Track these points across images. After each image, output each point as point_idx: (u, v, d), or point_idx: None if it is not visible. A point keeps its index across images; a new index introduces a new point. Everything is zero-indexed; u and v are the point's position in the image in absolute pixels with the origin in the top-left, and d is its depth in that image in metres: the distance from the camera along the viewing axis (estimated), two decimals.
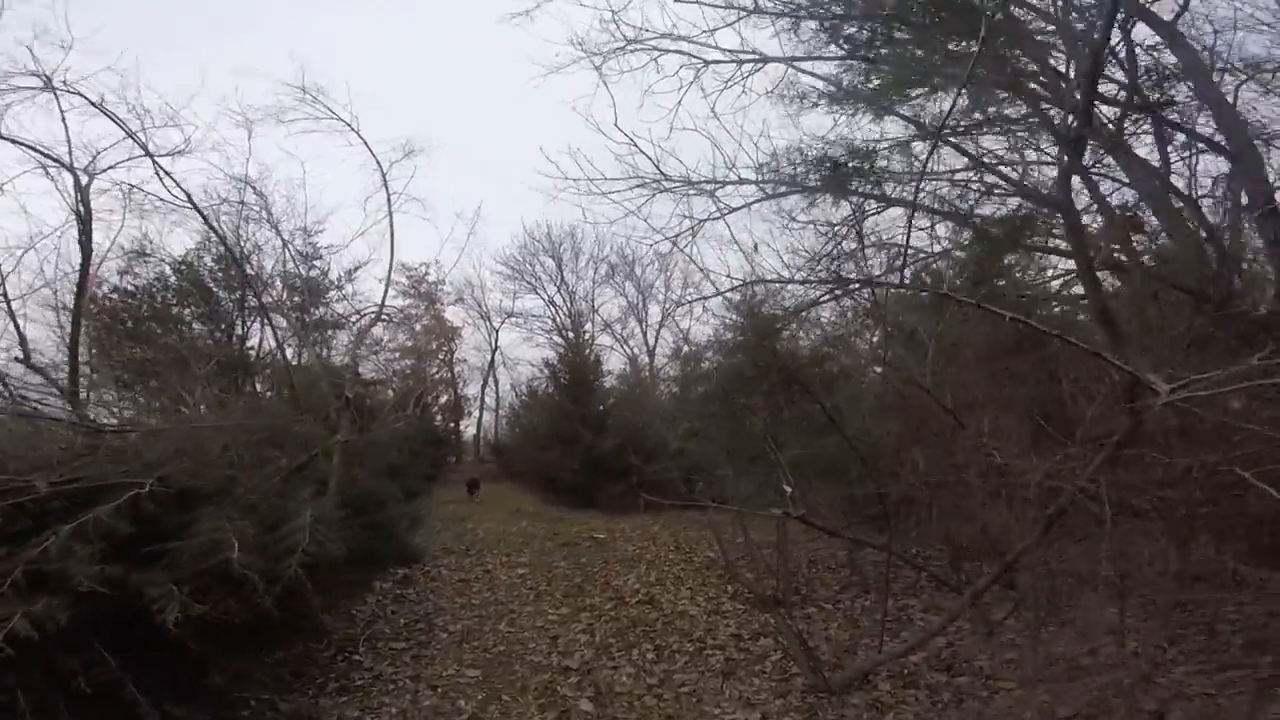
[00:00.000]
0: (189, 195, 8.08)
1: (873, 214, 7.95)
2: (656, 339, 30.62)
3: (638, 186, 7.96)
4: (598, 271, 31.26)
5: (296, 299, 9.78)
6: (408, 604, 7.66)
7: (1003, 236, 7.45)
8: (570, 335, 26.30)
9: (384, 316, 10.13)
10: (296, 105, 9.03)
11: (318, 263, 10.29)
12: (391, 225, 9.24)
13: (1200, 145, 6.61)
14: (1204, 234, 6.36)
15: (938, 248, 8.22)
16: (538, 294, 31.62)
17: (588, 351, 19.26)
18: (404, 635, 6.55)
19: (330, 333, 10.81)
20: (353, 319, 10.37)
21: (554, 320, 31.35)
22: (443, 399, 32.31)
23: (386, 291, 9.45)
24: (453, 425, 30.81)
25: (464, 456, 32.88)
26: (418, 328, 32.34)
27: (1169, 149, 6.81)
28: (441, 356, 33.83)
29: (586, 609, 7.10)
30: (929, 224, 7.83)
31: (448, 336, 33.68)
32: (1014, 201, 7.63)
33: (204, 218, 8.79)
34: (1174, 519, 3.89)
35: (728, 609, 6.98)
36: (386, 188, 9.25)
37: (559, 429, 16.75)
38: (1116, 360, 2.79)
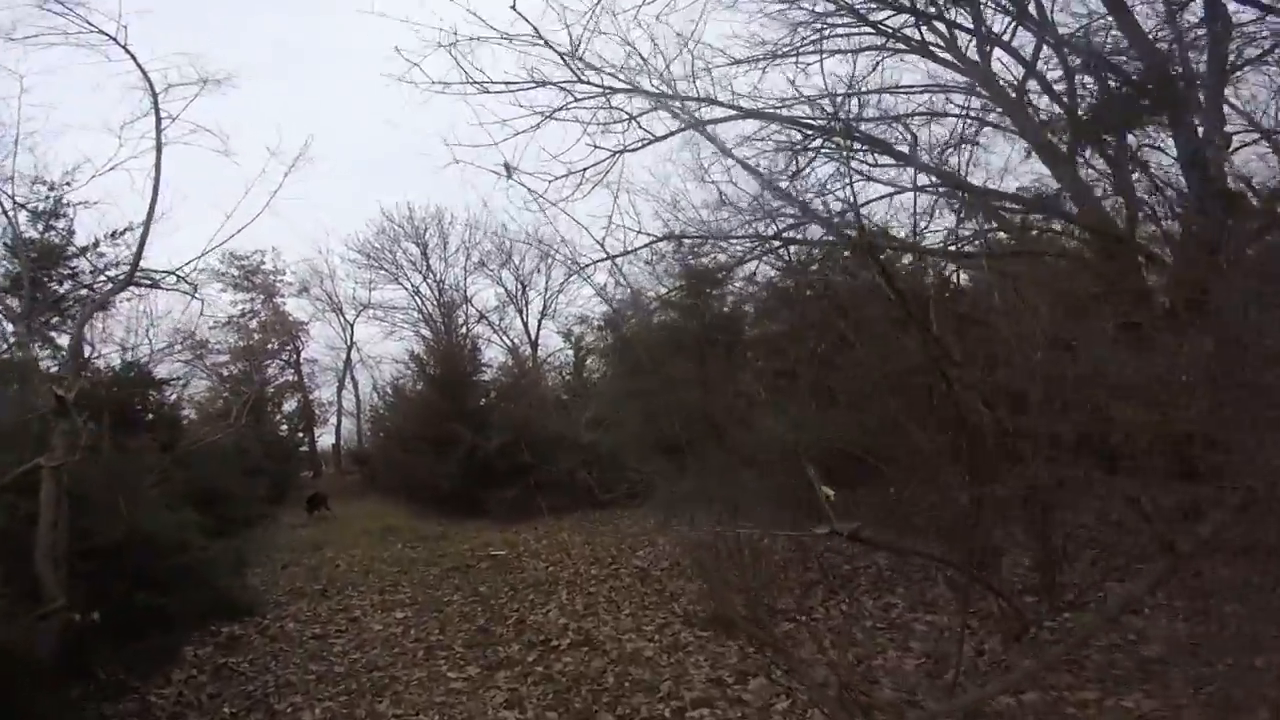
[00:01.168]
0: None
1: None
2: (539, 328, 28.37)
3: (536, 88, 6.12)
4: (470, 259, 28.36)
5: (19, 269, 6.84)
6: (237, 679, 5.35)
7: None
8: (440, 326, 23.43)
9: (140, 281, 7.40)
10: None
11: (60, 222, 7.34)
12: (159, 160, 6.68)
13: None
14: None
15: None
16: (400, 284, 28.02)
17: (462, 341, 16.86)
18: None
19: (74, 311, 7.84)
20: (97, 288, 7.50)
21: (420, 311, 28.03)
22: (287, 405, 28.08)
23: (142, 249, 6.75)
24: (303, 435, 26.65)
25: (323, 469, 28.90)
26: (253, 324, 27.97)
27: None
28: (285, 356, 29.53)
29: (502, 665, 5.17)
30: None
31: (290, 333, 29.41)
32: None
33: None
34: None
35: (687, 640, 5.38)
36: (156, 111, 6.67)
37: (432, 430, 14.30)
38: None
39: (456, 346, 15.74)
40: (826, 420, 4.60)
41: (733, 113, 6.39)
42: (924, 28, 6.66)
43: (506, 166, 6.13)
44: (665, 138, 6.54)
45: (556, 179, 6.37)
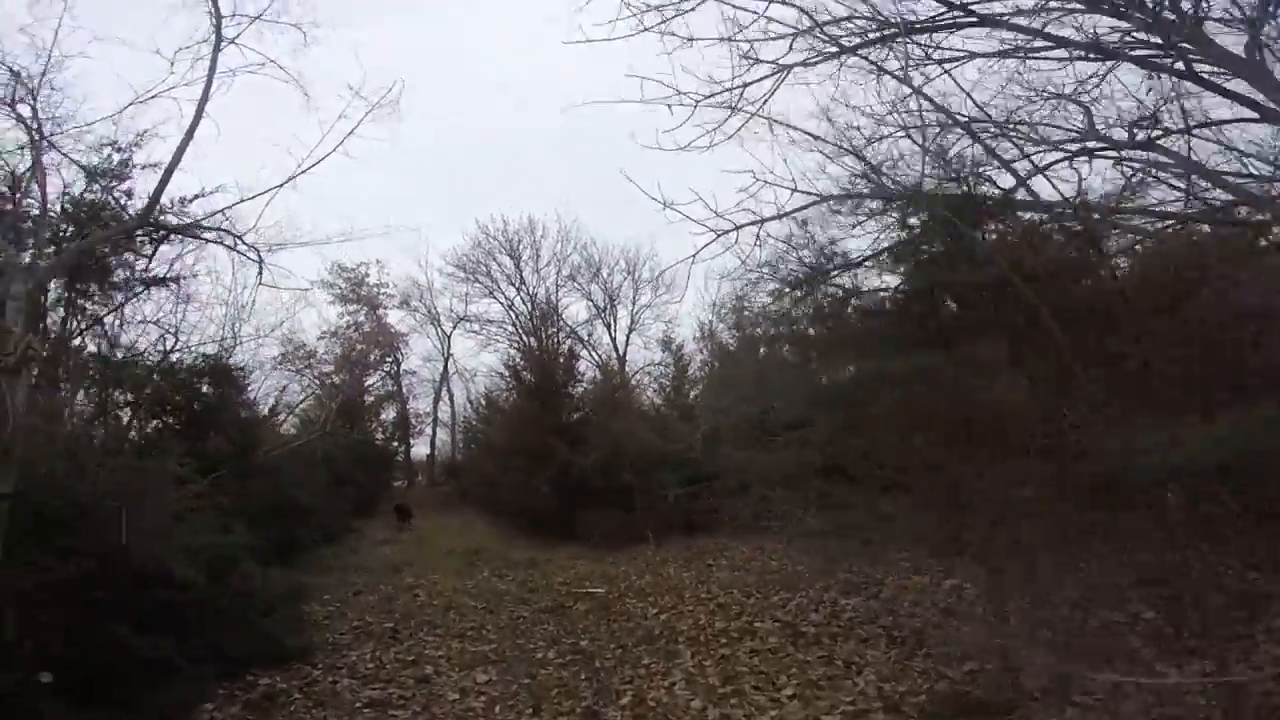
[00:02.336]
0: None
1: None
2: (627, 343, 27.33)
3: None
4: (560, 272, 27.73)
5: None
6: None
7: None
8: (531, 341, 22.55)
9: (154, 233, 6.19)
10: None
11: (123, 185, 6.40)
12: (208, 86, 5.51)
13: None
14: None
15: None
16: (494, 297, 27.82)
17: (557, 348, 15.61)
18: None
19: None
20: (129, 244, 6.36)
21: (515, 324, 27.60)
22: (385, 415, 28.04)
23: (165, 185, 5.42)
24: (398, 445, 26.41)
25: (417, 479, 28.68)
26: (355, 335, 28.23)
27: None
28: (386, 367, 29.69)
29: None
30: None
31: (392, 344, 29.58)
32: None
33: None
34: None
35: None
36: (218, 31, 5.51)
37: (525, 442, 13.02)
38: None
39: (551, 354, 14.46)
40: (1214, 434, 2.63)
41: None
42: None
43: None
44: (855, 49, 4.77)
45: (708, 98, 4.75)
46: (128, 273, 6.64)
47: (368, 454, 20.07)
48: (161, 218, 5.93)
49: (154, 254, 6.63)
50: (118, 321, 7.62)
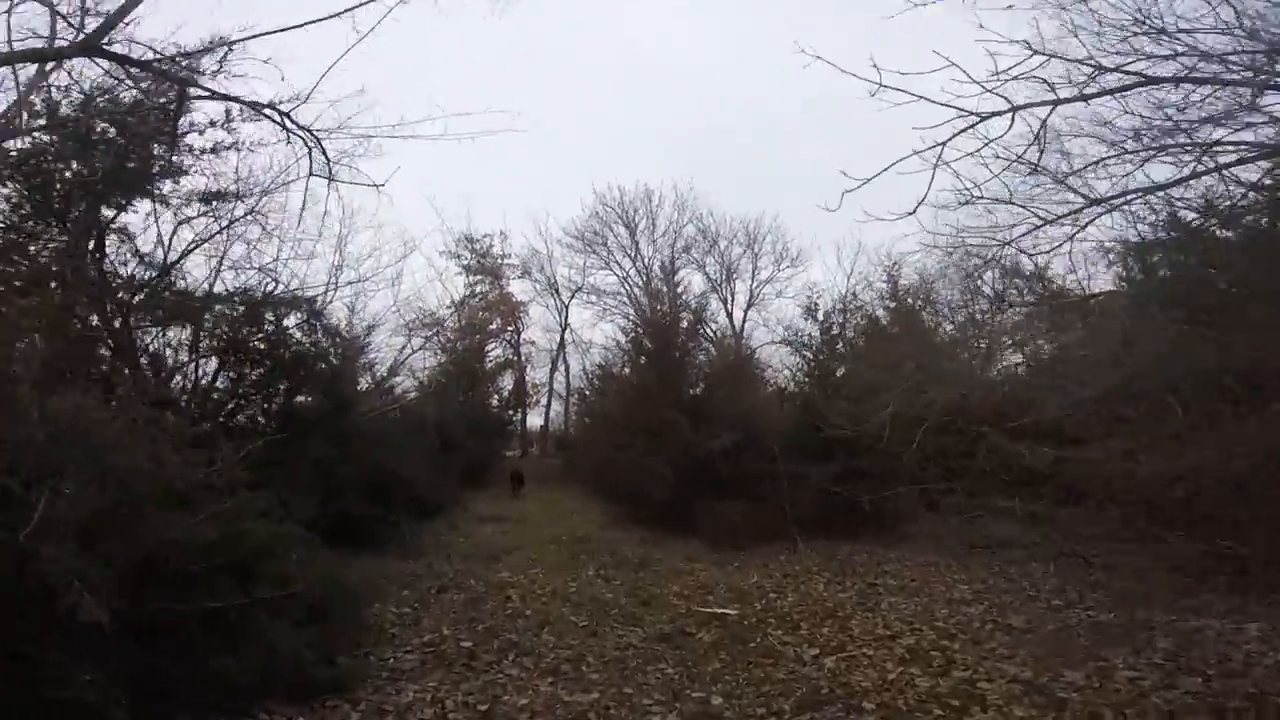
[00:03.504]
0: None
1: None
2: (744, 320, 25.41)
3: None
4: (676, 245, 26.20)
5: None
6: None
7: None
8: (651, 304, 21.07)
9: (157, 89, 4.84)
10: None
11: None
12: None
13: None
14: None
15: None
16: (610, 269, 26.99)
17: (678, 311, 13.81)
18: None
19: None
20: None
21: (630, 296, 26.51)
22: (503, 383, 27.74)
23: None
24: (513, 413, 26.01)
25: (530, 449, 28.42)
26: (478, 303, 28.06)
27: None
28: (507, 337, 29.46)
29: None
30: None
31: (514, 313, 29.32)
32: None
33: None
34: None
35: None
36: None
37: (642, 417, 11.42)
38: None
39: (673, 318, 12.73)
40: None
41: None
42: None
43: None
44: None
45: None
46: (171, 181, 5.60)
47: (483, 420, 19.51)
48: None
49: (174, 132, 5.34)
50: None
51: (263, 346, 6.94)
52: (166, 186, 5.77)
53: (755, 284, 25.63)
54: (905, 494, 9.22)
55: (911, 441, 8.14)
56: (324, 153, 5.32)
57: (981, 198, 4.15)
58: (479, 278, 28.56)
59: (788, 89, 33.98)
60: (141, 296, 5.80)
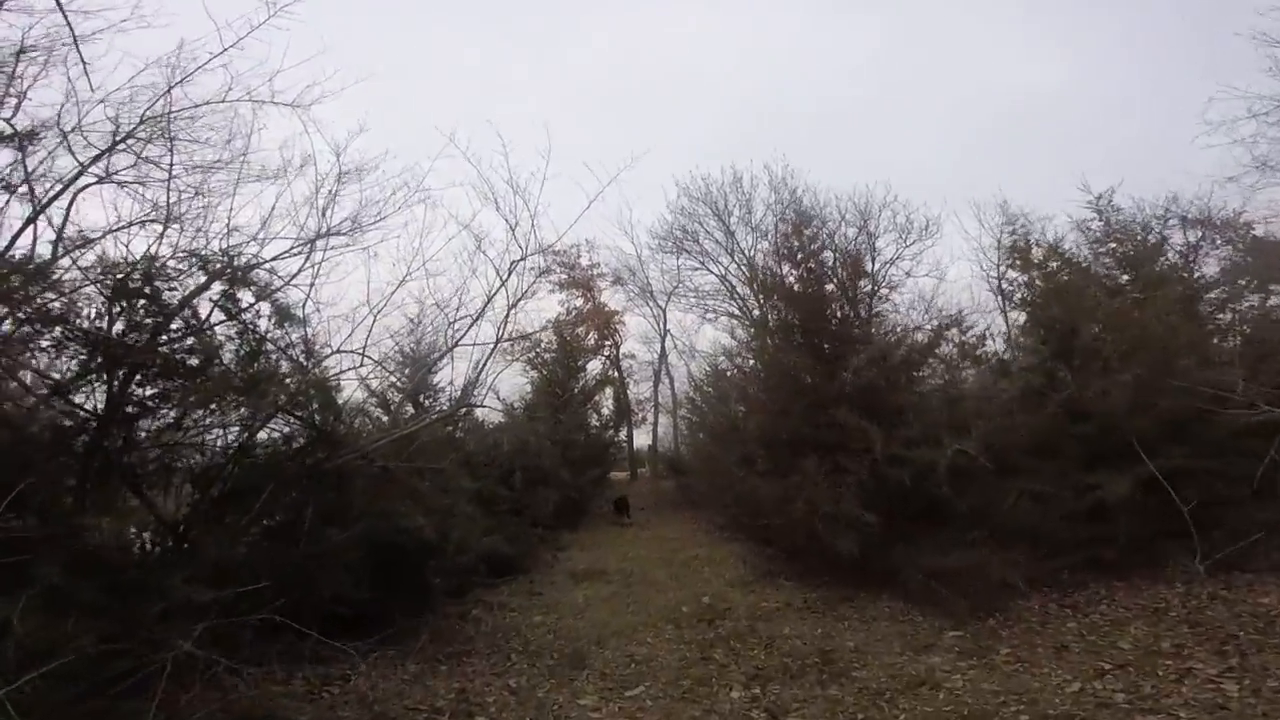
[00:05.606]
0: None
1: None
2: (871, 307, 21.08)
3: None
4: (778, 229, 22.44)
5: None
6: None
7: None
8: (785, 268, 17.47)
9: None
10: None
11: None
12: None
13: None
14: None
15: None
16: (707, 269, 23.68)
17: (829, 270, 10.06)
18: None
19: None
20: None
21: (732, 293, 23.13)
22: (604, 402, 24.82)
23: None
24: (612, 434, 22.72)
25: (639, 471, 25.46)
26: (572, 318, 25.55)
27: None
28: (606, 352, 26.69)
29: None
30: None
31: (609, 324, 26.57)
32: None
33: None
34: None
35: None
36: None
37: (790, 424, 7.81)
38: None
39: (821, 288, 9.03)
40: None
41: None
42: None
43: None
44: None
45: None
46: None
47: (579, 444, 16.34)
48: None
49: None
50: None
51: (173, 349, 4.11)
52: None
53: (877, 265, 21.23)
54: None
55: None
56: None
57: None
58: (572, 293, 26.27)
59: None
60: None
